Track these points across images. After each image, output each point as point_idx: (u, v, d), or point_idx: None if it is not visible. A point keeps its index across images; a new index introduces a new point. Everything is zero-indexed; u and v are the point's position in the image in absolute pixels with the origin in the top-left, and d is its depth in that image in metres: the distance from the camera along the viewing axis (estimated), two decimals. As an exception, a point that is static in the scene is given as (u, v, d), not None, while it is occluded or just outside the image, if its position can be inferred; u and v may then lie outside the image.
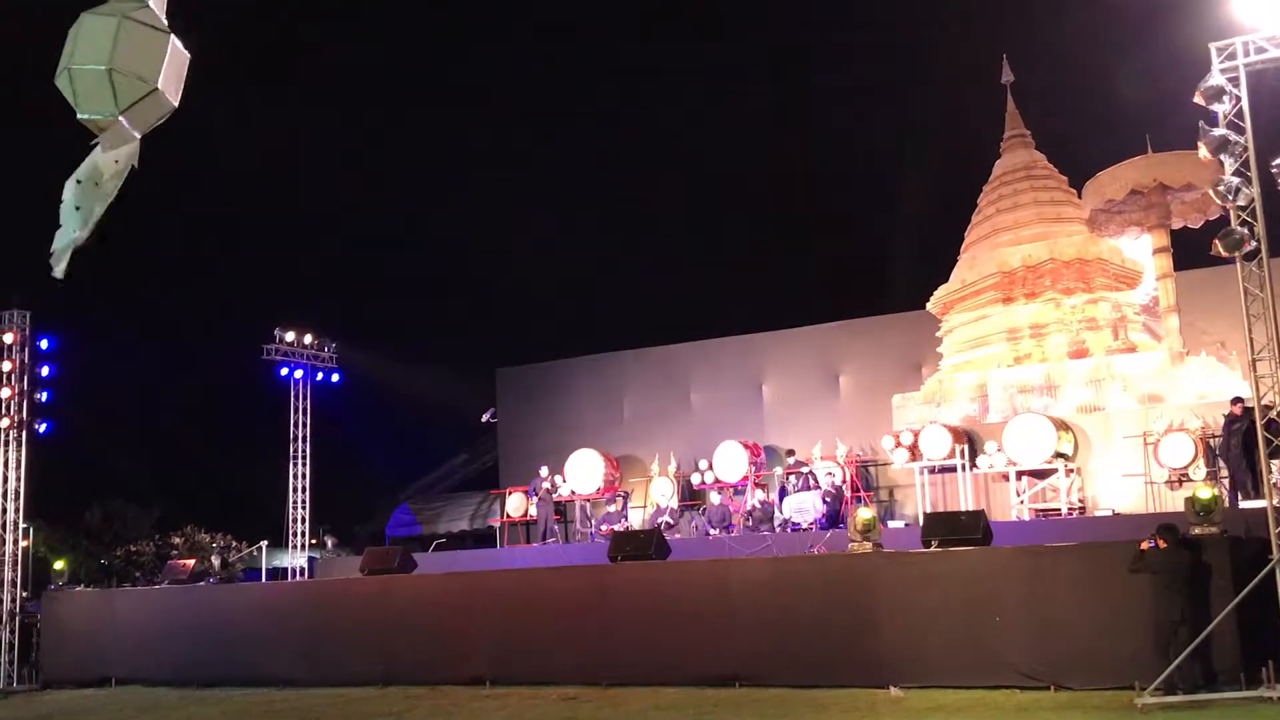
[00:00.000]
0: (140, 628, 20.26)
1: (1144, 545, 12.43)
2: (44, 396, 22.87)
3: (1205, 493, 13.45)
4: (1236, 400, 16.69)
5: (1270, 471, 13.41)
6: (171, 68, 5.39)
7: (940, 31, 41.92)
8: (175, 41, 5.44)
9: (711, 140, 49.11)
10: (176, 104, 5.50)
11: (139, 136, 5.52)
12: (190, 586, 21.20)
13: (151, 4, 5.44)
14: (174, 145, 5.70)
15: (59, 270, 5.61)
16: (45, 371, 22.97)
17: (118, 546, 35.33)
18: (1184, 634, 11.98)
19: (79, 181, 5.54)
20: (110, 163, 5.51)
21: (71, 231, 5.49)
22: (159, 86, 5.32)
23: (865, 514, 15.65)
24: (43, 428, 22.94)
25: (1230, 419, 16.70)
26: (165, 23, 5.43)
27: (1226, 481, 17.06)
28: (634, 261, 44.29)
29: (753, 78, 48.51)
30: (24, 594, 22.85)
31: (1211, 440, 18.07)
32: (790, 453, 22.40)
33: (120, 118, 5.32)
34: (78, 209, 5.50)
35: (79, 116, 5.37)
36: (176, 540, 34.97)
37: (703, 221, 47.60)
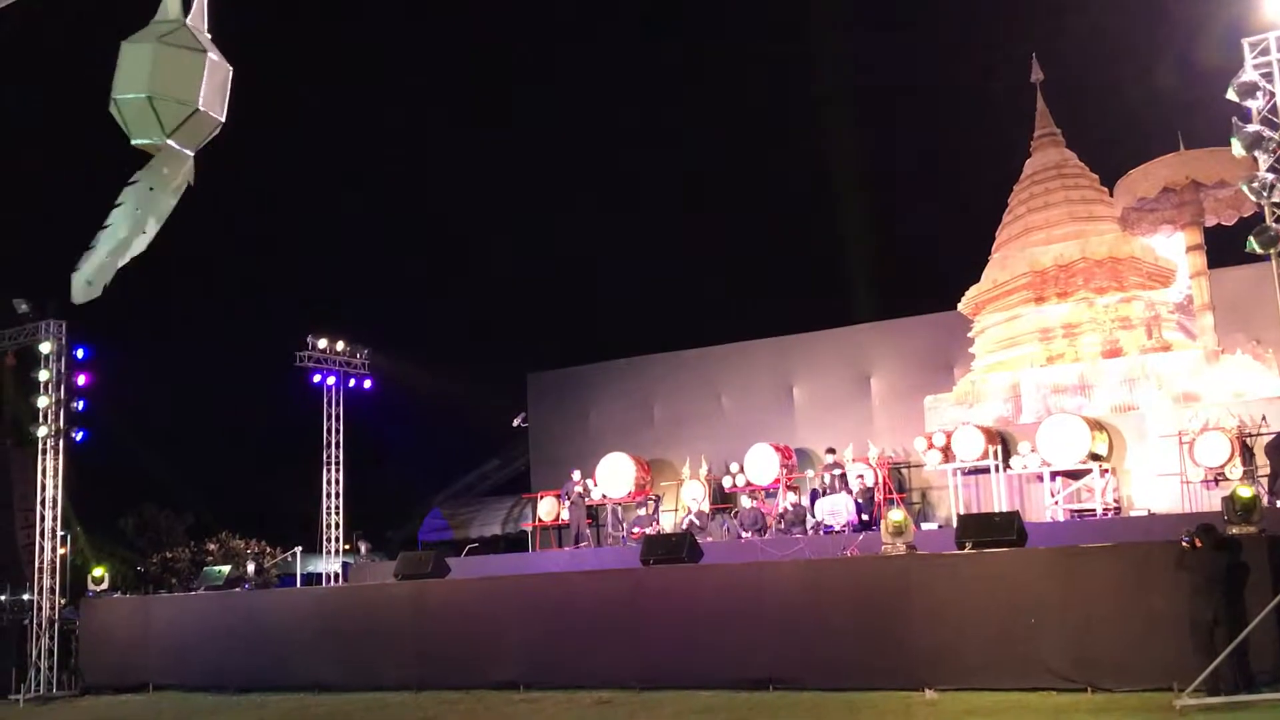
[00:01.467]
0: (177, 633, 20.47)
1: (1185, 544, 12.26)
2: (80, 405, 23.12)
3: (1245, 491, 13.32)
4: None
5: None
6: (212, 85, 5.44)
7: (970, 30, 41.70)
8: (213, 56, 5.48)
9: (728, 143, 49.06)
10: (223, 119, 5.55)
11: (192, 154, 5.57)
12: (226, 592, 21.41)
13: (189, 24, 5.48)
14: (200, 154, 5.72)
15: (85, 292, 5.47)
16: (81, 380, 23.21)
17: (154, 553, 35.64)
18: (1221, 635, 11.85)
19: (140, 183, 5.55)
20: (168, 176, 5.54)
21: (115, 240, 5.48)
22: (200, 107, 5.38)
23: (897, 515, 15.55)
24: (79, 436, 23.18)
25: None
26: (202, 41, 5.47)
27: (1265, 480, 16.88)
28: (663, 264, 44.32)
29: (768, 79, 48.41)
30: (62, 601, 23.10)
31: (1248, 439, 17.89)
32: (830, 450, 22.26)
33: (169, 140, 5.38)
34: (137, 210, 5.51)
35: (132, 143, 5.44)
36: (212, 547, 35.27)
37: (731, 224, 47.53)
